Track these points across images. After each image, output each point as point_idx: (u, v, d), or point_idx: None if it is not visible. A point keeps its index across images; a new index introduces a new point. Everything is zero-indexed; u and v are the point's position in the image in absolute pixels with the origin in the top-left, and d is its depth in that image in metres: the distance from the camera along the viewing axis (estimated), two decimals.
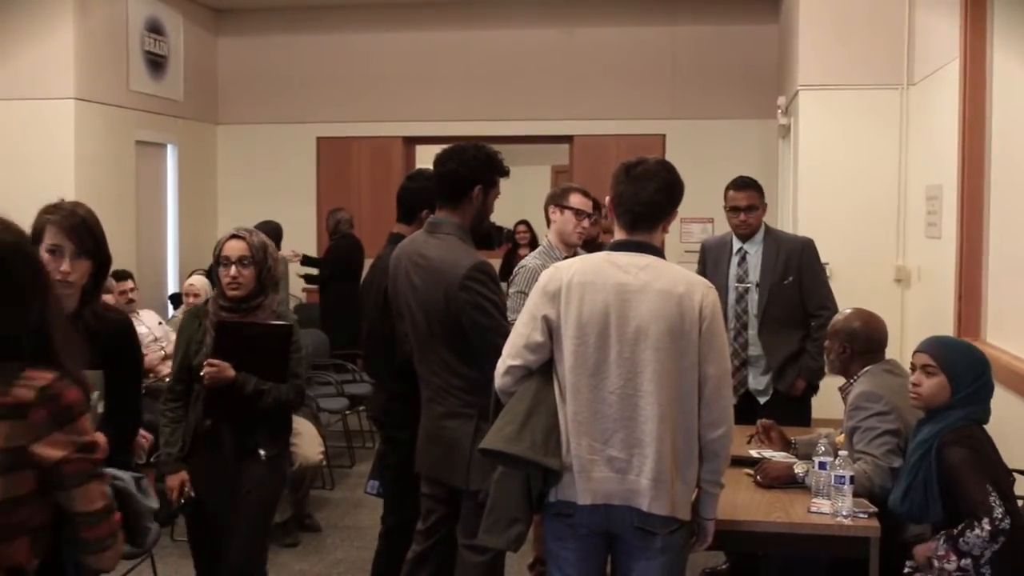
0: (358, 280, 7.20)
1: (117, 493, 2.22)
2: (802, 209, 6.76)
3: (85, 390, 2.01)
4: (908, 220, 6.46)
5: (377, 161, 9.81)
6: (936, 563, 2.88)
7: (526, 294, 2.98)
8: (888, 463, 3.25)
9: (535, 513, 2.85)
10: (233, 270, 3.37)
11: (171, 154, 9.25)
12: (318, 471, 5.63)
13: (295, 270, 8.62)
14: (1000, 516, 2.83)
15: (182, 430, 3.47)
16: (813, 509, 3.16)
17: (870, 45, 6.56)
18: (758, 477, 3.44)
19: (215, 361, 3.33)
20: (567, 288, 2.73)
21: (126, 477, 2.34)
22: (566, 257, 4.09)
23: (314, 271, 8.63)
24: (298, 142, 9.84)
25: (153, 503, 2.39)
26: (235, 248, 3.40)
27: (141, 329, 5.75)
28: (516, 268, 4.36)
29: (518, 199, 7.33)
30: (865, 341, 3.56)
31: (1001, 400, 3.75)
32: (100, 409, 2.74)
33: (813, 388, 4.60)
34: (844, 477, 3.08)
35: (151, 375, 5.60)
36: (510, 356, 2.80)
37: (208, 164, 9.90)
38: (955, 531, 2.88)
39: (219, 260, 3.42)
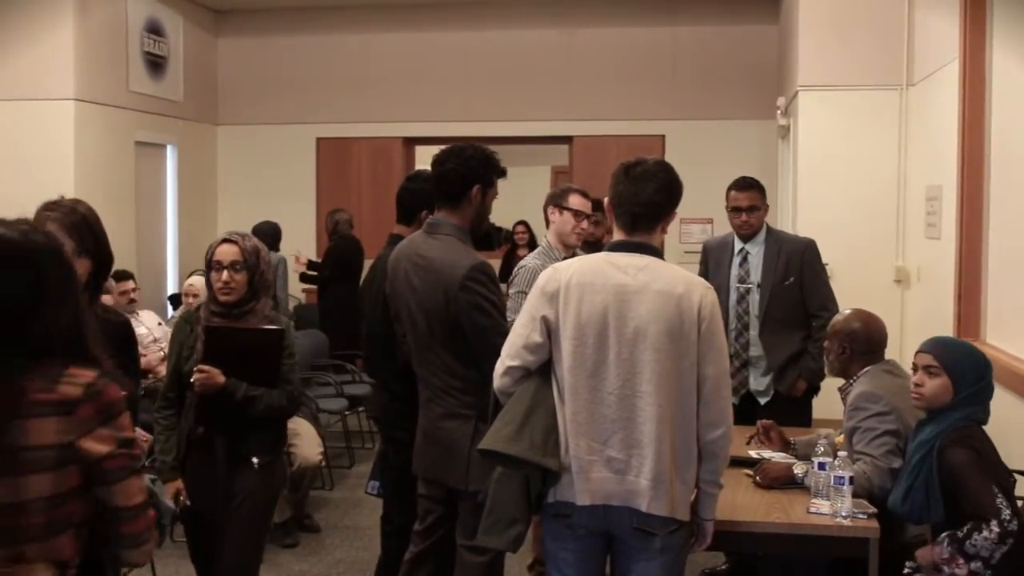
0: (357, 281, 7.20)
1: None
2: (802, 209, 6.76)
3: (123, 388, 2.06)
4: (908, 220, 6.46)
5: (377, 162, 9.81)
6: (946, 568, 2.87)
7: (526, 294, 2.98)
8: (887, 464, 3.25)
9: (534, 514, 2.85)
10: (225, 275, 3.31)
11: (171, 155, 9.25)
12: (317, 472, 5.63)
13: (294, 269, 8.61)
14: (1008, 517, 2.82)
15: (176, 438, 3.42)
16: (812, 510, 3.15)
17: (870, 46, 6.56)
18: (757, 478, 3.44)
19: (205, 367, 3.27)
20: (566, 289, 2.73)
21: (146, 477, 2.36)
22: (565, 258, 4.09)
23: (313, 272, 8.63)
24: (298, 143, 9.84)
25: (170, 504, 2.41)
26: (227, 252, 3.34)
27: (141, 330, 5.75)
28: (516, 268, 4.36)
29: (518, 200, 7.33)
30: (865, 342, 3.56)
31: (1001, 400, 3.75)
32: None
33: (814, 389, 4.59)
34: (843, 478, 3.08)
35: (150, 376, 5.60)
36: (509, 357, 2.80)
37: (208, 165, 9.90)
38: (959, 534, 2.87)
39: (210, 265, 3.36)
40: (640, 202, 2.78)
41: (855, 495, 3.12)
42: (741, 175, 4.70)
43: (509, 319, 3.30)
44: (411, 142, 9.97)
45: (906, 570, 3.03)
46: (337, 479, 6.42)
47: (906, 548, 3.11)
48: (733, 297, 4.58)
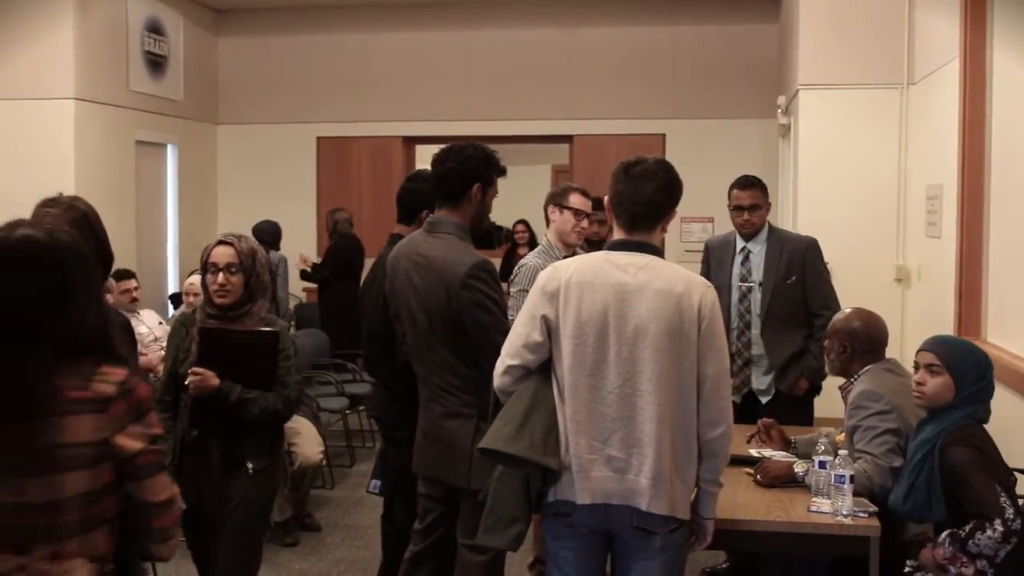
0: (358, 280, 7.21)
1: None
2: (802, 208, 6.76)
3: (149, 385, 2.11)
4: (908, 219, 6.46)
5: (377, 161, 9.82)
6: (952, 569, 2.87)
7: (527, 292, 2.97)
8: (888, 462, 3.25)
9: (534, 512, 2.85)
10: (220, 277, 3.27)
11: (171, 154, 9.26)
12: (318, 470, 5.63)
13: (296, 265, 8.59)
14: (1012, 516, 2.81)
15: (172, 441, 3.38)
16: (813, 508, 3.15)
17: (870, 44, 6.56)
18: (758, 476, 3.44)
19: (199, 369, 3.23)
20: (566, 288, 2.73)
21: None
22: (565, 256, 4.09)
23: (309, 270, 8.62)
24: (298, 142, 9.84)
25: (181, 503, 2.42)
26: (223, 254, 3.30)
27: (141, 329, 5.75)
28: (516, 267, 4.36)
29: (518, 199, 7.33)
30: (865, 340, 3.55)
31: (1001, 399, 3.75)
32: None
33: (816, 388, 4.58)
34: (844, 476, 3.07)
35: (151, 375, 5.60)
36: (509, 355, 2.80)
37: (208, 164, 9.91)
38: (961, 533, 2.87)
39: (206, 267, 3.32)
40: (640, 201, 2.78)
41: (856, 494, 3.12)
42: (742, 174, 4.69)
43: (510, 318, 3.30)
44: (411, 141, 9.97)
45: (907, 569, 3.03)
46: (338, 478, 6.42)
47: (907, 547, 3.11)
48: (735, 296, 4.58)
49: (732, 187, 4.63)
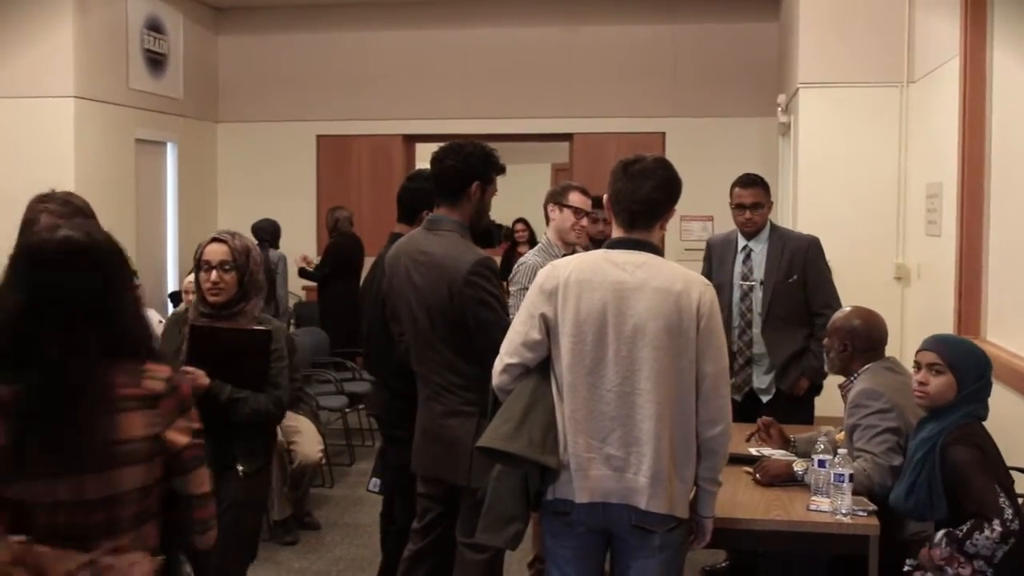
0: (358, 278, 7.21)
1: None
2: (802, 207, 6.76)
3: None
4: (908, 218, 6.46)
5: (377, 159, 9.81)
6: (950, 569, 2.87)
7: (527, 290, 2.97)
8: (888, 461, 3.25)
9: (533, 511, 2.85)
10: (214, 275, 3.22)
11: (171, 152, 9.25)
12: (318, 469, 5.63)
13: (296, 263, 8.58)
14: (1010, 517, 2.82)
15: None
16: (812, 507, 3.15)
17: (870, 43, 6.56)
18: (757, 475, 3.43)
19: (189, 368, 3.15)
20: (564, 286, 2.73)
21: None
22: (564, 255, 4.09)
23: (312, 269, 8.61)
24: (298, 140, 9.84)
25: None
26: (216, 252, 3.25)
27: None
28: (516, 265, 4.36)
29: (518, 197, 7.33)
30: (865, 339, 3.55)
31: (1001, 398, 3.75)
32: None
33: (816, 388, 4.58)
34: (843, 475, 3.07)
35: None
36: (508, 354, 2.80)
37: (208, 162, 9.90)
38: (958, 533, 2.87)
39: (199, 264, 3.28)
40: (638, 199, 2.78)
41: (855, 492, 3.11)
42: (742, 172, 4.69)
43: (510, 316, 3.30)
44: (411, 139, 9.96)
45: (906, 568, 3.02)
46: (337, 476, 6.42)
47: (906, 546, 3.10)
48: (736, 294, 4.57)
49: (734, 185, 4.62)
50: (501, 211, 4.47)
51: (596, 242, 4.49)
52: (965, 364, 3.09)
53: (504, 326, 3.02)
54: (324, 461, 5.79)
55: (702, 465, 2.75)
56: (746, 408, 4.41)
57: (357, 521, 5.58)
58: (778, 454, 3.70)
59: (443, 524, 3.41)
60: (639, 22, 9.33)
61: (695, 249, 7.91)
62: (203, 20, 9.72)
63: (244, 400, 3.20)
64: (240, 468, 3.27)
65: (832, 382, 3.97)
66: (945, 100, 5.41)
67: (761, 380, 4.55)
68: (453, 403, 3.29)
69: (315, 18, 9.71)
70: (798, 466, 3.39)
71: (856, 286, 4.99)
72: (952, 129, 5.18)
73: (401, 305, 3.42)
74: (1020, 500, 3.11)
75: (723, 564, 4.67)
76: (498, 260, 8.76)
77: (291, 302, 8.94)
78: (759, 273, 4.55)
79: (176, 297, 8.04)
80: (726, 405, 2.74)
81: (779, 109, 7.84)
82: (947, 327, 5.03)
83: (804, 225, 6.25)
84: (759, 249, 4.58)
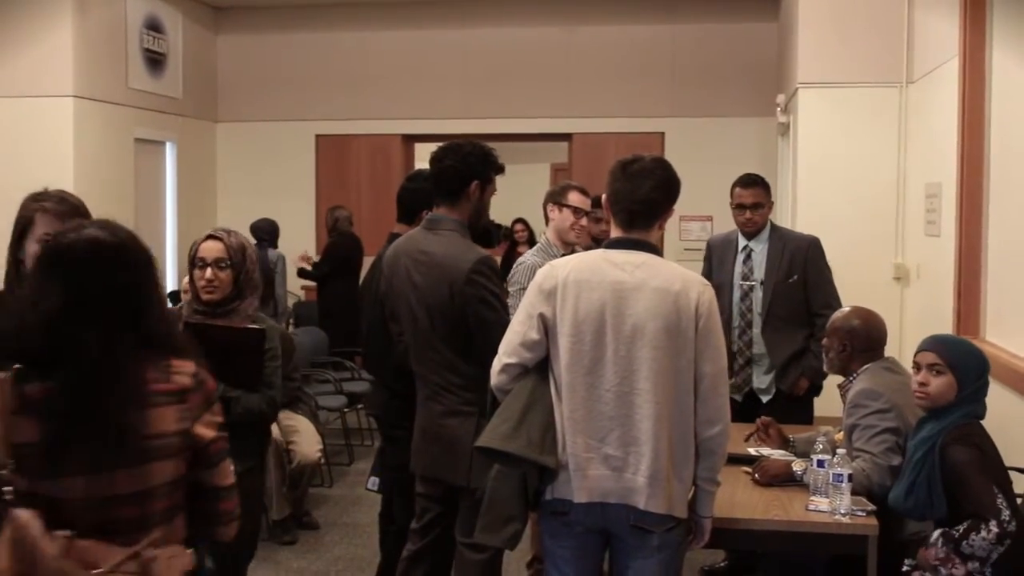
0: (357, 278, 7.20)
1: None
2: (801, 207, 6.75)
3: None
4: (907, 218, 6.46)
5: (376, 159, 9.81)
6: (943, 570, 2.87)
7: (526, 289, 2.97)
8: (887, 461, 3.25)
9: (531, 511, 2.85)
10: (209, 272, 3.19)
11: (170, 152, 9.24)
12: (316, 469, 5.62)
13: (296, 262, 8.58)
14: (1007, 518, 2.82)
15: None
16: (811, 507, 3.15)
17: (869, 43, 6.56)
18: (756, 475, 3.43)
19: None
20: (563, 286, 2.73)
21: None
22: (563, 255, 4.08)
23: (311, 268, 8.61)
24: (297, 140, 9.83)
25: None
26: (211, 249, 3.22)
27: None
28: (515, 265, 4.36)
29: (517, 197, 7.32)
30: (864, 339, 3.55)
31: (1001, 398, 3.75)
32: None
33: (816, 388, 4.57)
34: (842, 475, 3.07)
35: None
36: (506, 354, 2.79)
37: (207, 162, 9.90)
38: (955, 533, 2.87)
39: (194, 262, 3.24)
40: (637, 199, 2.78)
41: (854, 492, 3.11)
42: (741, 172, 4.69)
43: (510, 316, 3.30)
44: (410, 139, 9.96)
45: (904, 568, 3.03)
46: (336, 476, 6.42)
47: (905, 545, 3.10)
48: (736, 294, 4.57)
49: (734, 185, 4.62)
50: (500, 211, 4.47)
51: (599, 242, 4.49)
52: (966, 364, 3.09)
53: (505, 325, 3.02)
54: (323, 461, 5.79)
55: (701, 465, 2.75)
56: (746, 408, 4.41)
57: (356, 521, 5.58)
58: (777, 454, 3.70)
59: (442, 524, 3.41)
60: (638, 22, 9.32)
61: (694, 249, 7.91)
62: (202, 20, 9.71)
63: (236, 399, 3.16)
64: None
65: (832, 382, 3.97)
66: (944, 100, 5.41)
67: (761, 380, 4.55)
68: (452, 403, 3.29)
69: (314, 18, 9.71)
70: (797, 466, 3.39)
71: (855, 286, 4.99)
72: (951, 129, 5.18)
73: (400, 305, 3.42)
74: (1019, 500, 3.12)
75: (722, 564, 4.67)
76: (498, 260, 8.76)
77: (290, 302, 8.94)
78: (759, 273, 4.55)
79: (175, 296, 8.02)
80: (724, 405, 2.73)
81: (778, 109, 7.84)
82: (946, 327, 5.03)
83: (803, 225, 6.25)
84: (759, 249, 4.58)
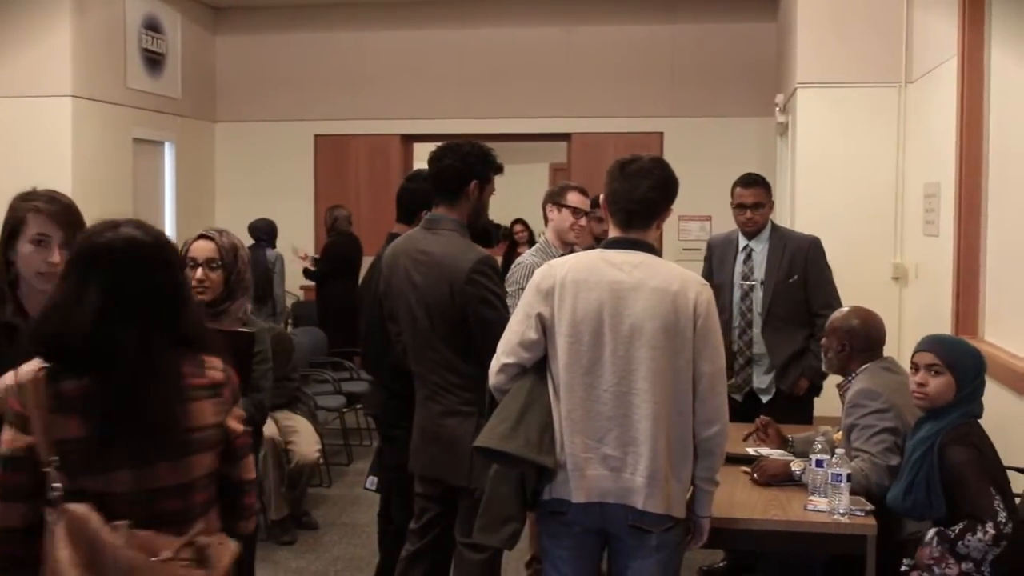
0: (356, 278, 7.20)
1: None
2: (800, 207, 6.76)
3: None
4: (906, 218, 6.46)
5: (375, 159, 9.80)
6: (937, 569, 2.87)
7: (524, 289, 2.97)
8: (885, 461, 3.25)
9: (529, 511, 2.85)
10: (199, 272, 3.13)
11: (169, 152, 9.24)
12: (315, 469, 5.62)
13: (291, 266, 8.57)
14: (1004, 520, 2.82)
15: None
16: (810, 507, 3.15)
17: (868, 43, 6.56)
18: (755, 475, 3.43)
19: None
20: (561, 286, 2.73)
21: None
22: (562, 255, 4.08)
23: (311, 267, 8.61)
24: (296, 140, 9.83)
25: None
26: (203, 249, 3.17)
27: None
28: (513, 265, 4.36)
29: (516, 196, 7.32)
30: (864, 339, 3.55)
31: (999, 398, 3.75)
32: None
33: (816, 388, 4.57)
34: (841, 475, 3.07)
35: None
36: (504, 354, 2.79)
37: (206, 162, 9.89)
38: (951, 533, 2.87)
39: (184, 261, 3.13)
40: (635, 199, 2.77)
41: (853, 492, 3.11)
42: (740, 172, 4.69)
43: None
44: (409, 139, 9.96)
45: (903, 567, 3.03)
46: (335, 476, 6.42)
47: (904, 545, 3.10)
48: (737, 294, 4.57)
49: (735, 185, 4.62)
50: (499, 211, 4.47)
51: (600, 241, 4.49)
52: (964, 364, 3.10)
53: (506, 325, 3.02)
54: (322, 461, 5.79)
55: (699, 465, 2.74)
56: (746, 408, 4.41)
57: (355, 521, 5.57)
58: (776, 454, 3.70)
59: (441, 524, 3.41)
60: (637, 22, 9.32)
61: (693, 249, 7.91)
62: (201, 20, 9.71)
63: None
64: None
65: (831, 382, 3.97)
66: (943, 100, 5.42)
67: (761, 380, 4.55)
68: (451, 403, 3.28)
69: (313, 18, 9.70)
70: (796, 466, 3.39)
71: (854, 286, 4.99)
72: (950, 129, 5.18)
73: (400, 305, 3.41)
74: (1017, 500, 3.12)
75: (721, 564, 4.67)
76: (498, 261, 8.75)
77: (289, 302, 8.93)
78: (760, 273, 4.55)
79: None
80: (723, 404, 2.73)
81: (777, 109, 7.84)
82: (945, 327, 5.03)
83: (802, 225, 6.25)
84: (760, 249, 4.58)
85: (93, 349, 1.95)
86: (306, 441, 5.39)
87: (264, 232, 8.15)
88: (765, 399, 4.53)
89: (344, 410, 6.85)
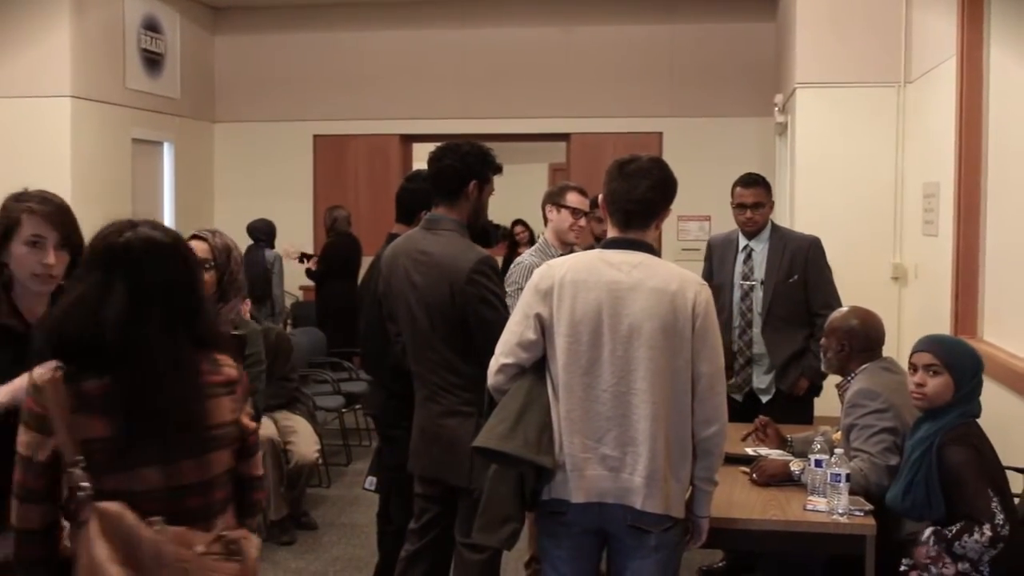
0: (355, 278, 7.20)
1: None
2: (799, 207, 6.75)
3: None
4: (905, 218, 6.46)
5: (374, 159, 9.80)
6: (934, 568, 2.87)
7: (523, 289, 2.97)
8: (884, 461, 3.25)
9: (529, 511, 2.85)
10: None
11: (168, 152, 9.24)
12: (314, 469, 5.62)
13: (290, 266, 8.56)
14: (1001, 522, 2.83)
15: None
16: (809, 507, 3.15)
17: (867, 43, 6.56)
18: (754, 475, 3.43)
19: None
20: (559, 286, 2.73)
21: None
22: (561, 255, 4.08)
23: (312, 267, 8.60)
24: (295, 140, 9.82)
25: None
26: (195, 250, 3.01)
27: None
28: (512, 265, 4.36)
29: (515, 197, 7.32)
30: (863, 339, 3.55)
31: (998, 398, 3.75)
32: None
33: (816, 388, 4.57)
34: (840, 475, 3.07)
35: None
36: (503, 354, 2.79)
37: (205, 162, 9.89)
38: (948, 533, 2.87)
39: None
40: (634, 199, 2.77)
41: (852, 492, 3.11)
42: (739, 172, 4.69)
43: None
44: (408, 139, 9.95)
45: (902, 567, 3.03)
46: (334, 476, 6.42)
47: (903, 545, 3.11)
48: (737, 294, 4.57)
49: (735, 185, 4.62)
50: (498, 211, 4.46)
51: (600, 241, 4.48)
52: (962, 364, 3.10)
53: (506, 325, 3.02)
54: (321, 461, 5.79)
55: (698, 465, 2.74)
56: (746, 408, 4.41)
57: (354, 521, 5.57)
58: (775, 454, 3.70)
59: (440, 524, 3.41)
60: (636, 22, 9.32)
61: (693, 249, 7.92)
62: (200, 20, 9.70)
63: None
64: None
65: (831, 382, 3.97)
66: (942, 100, 5.42)
67: (761, 380, 4.55)
68: (451, 403, 3.28)
69: (312, 18, 9.70)
70: (795, 466, 3.39)
71: (853, 286, 4.99)
72: (949, 129, 5.18)
73: (399, 305, 3.41)
74: (1016, 499, 3.12)
75: (720, 564, 4.66)
76: (499, 261, 8.74)
77: (288, 302, 8.93)
78: (760, 273, 4.55)
79: None
80: (722, 405, 2.73)
81: (776, 109, 7.84)
82: (944, 327, 5.03)
83: (801, 225, 6.24)
84: (760, 249, 4.58)
85: (117, 348, 1.96)
86: (305, 441, 5.39)
87: (263, 232, 8.15)
88: (765, 399, 4.53)
89: (343, 410, 6.85)
